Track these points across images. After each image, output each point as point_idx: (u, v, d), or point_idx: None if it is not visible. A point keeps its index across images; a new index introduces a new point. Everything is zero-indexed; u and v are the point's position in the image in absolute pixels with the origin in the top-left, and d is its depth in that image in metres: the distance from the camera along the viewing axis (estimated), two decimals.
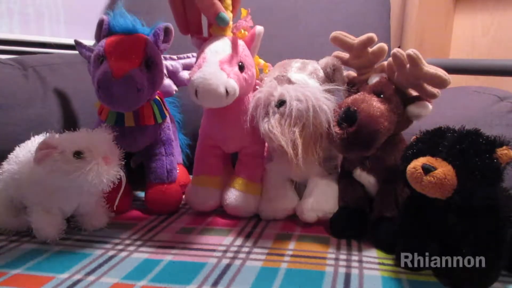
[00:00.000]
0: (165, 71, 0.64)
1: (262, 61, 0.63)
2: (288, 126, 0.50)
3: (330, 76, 0.57)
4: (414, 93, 0.52)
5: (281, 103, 0.51)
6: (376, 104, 0.49)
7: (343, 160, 0.59)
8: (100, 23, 0.59)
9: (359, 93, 0.52)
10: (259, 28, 0.57)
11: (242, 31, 0.57)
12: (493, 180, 0.39)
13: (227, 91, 0.49)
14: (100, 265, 0.46)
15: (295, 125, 0.50)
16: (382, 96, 0.51)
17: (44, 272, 0.44)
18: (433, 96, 0.50)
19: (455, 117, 0.64)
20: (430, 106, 0.51)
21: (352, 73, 0.60)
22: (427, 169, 0.39)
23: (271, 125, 0.50)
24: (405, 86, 0.52)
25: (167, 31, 0.60)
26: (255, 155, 0.63)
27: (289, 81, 0.55)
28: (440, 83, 0.47)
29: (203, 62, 0.50)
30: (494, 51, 1.10)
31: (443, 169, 0.39)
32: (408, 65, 0.48)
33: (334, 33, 0.57)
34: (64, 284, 0.42)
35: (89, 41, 0.68)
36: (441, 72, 0.47)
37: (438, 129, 0.44)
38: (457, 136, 0.41)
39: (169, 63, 0.69)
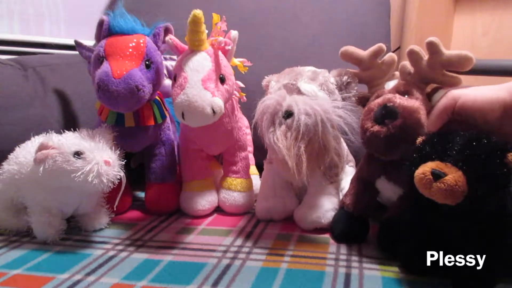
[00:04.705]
0: (165, 71, 0.64)
1: (236, 61, 0.61)
2: (294, 140, 0.47)
3: (342, 87, 0.56)
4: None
5: (289, 114, 0.48)
6: (408, 98, 0.47)
7: (363, 167, 0.55)
8: (100, 23, 0.59)
9: (385, 93, 0.49)
10: (234, 33, 0.55)
11: (221, 38, 0.55)
12: (505, 185, 0.38)
13: (213, 111, 0.49)
14: (100, 265, 0.46)
15: (302, 140, 0.47)
16: (407, 95, 0.48)
17: (44, 272, 0.44)
18: (457, 82, 0.48)
19: None
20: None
21: (363, 93, 0.57)
22: (437, 175, 0.37)
23: (276, 137, 0.48)
24: (423, 82, 0.50)
25: (167, 31, 0.61)
26: (240, 149, 0.64)
27: (299, 91, 0.53)
28: (466, 61, 0.46)
29: (185, 82, 0.49)
30: (494, 51, 1.09)
31: (454, 175, 0.37)
32: (425, 58, 0.47)
33: (342, 49, 0.56)
34: (64, 284, 0.42)
35: (89, 41, 0.68)
36: (464, 51, 0.46)
37: (446, 132, 0.42)
38: (466, 140, 0.39)
39: (169, 63, 0.69)
